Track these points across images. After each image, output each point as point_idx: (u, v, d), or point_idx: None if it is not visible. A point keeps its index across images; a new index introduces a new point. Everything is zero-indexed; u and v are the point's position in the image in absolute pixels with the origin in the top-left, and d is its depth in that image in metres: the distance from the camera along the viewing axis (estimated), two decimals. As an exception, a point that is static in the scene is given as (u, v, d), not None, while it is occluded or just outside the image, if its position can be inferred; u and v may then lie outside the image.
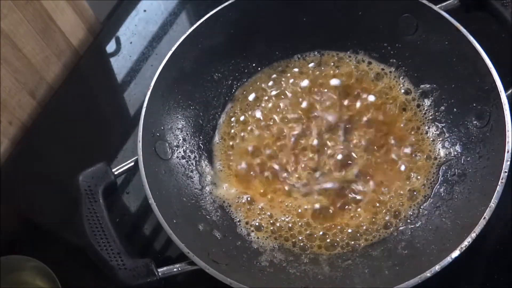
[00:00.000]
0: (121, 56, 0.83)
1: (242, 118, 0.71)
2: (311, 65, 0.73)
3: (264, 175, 0.67)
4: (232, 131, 0.71)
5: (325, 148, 0.68)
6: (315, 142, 0.68)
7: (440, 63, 0.65)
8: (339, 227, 0.63)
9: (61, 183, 0.65)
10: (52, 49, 0.78)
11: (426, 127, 0.67)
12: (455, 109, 0.65)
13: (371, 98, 0.70)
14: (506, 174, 0.54)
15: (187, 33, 0.67)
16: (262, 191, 0.66)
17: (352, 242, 0.62)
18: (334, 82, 0.72)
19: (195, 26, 0.67)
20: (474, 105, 0.62)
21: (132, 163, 0.61)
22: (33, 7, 0.72)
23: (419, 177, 0.65)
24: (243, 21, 0.69)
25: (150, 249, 0.68)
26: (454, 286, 0.62)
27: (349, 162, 0.66)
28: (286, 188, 0.66)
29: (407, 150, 0.66)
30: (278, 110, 0.71)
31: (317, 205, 0.65)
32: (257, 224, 0.64)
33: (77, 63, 0.83)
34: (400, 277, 0.53)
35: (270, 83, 0.73)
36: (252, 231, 0.64)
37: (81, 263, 0.67)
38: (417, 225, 0.62)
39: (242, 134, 0.70)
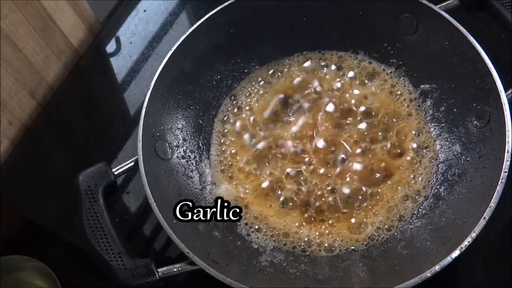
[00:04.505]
0: (121, 56, 0.83)
1: (236, 118, 0.71)
2: (311, 65, 0.73)
3: (258, 182, 0.67)
4: (226, 131, 0.71)
5: (324, 152, 0.68)
6: (314, 144, 0.68)
7: (440, 63, 0.65)
8: (341, 235, 0.63)
9: (61, 183, 0.65)
10: (52, 49, 0.78)
11: (427, 127, 0.67)
12: (455, 109, 0.65)
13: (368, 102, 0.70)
14: (506, 174, 0.54)
15: (187, 33, 0.67)
16: (254, 199, 0.66)
17: (352, 247, 0.62)
18: (336, 84, 0.72)
19: (195, 26, 0.67)
20: (474, 105, 0.62)
21: (132, 163, 0.61)
22: (33, 7, 0.72)
23: (420, 178, 0.65)
24: (243, 21, 0.69)
25: (150, 249, 0.68)
26: (454, 286, 0.62)
27: (350, 166, 0.67)
28: (282, 196, 0.66)
29: (410, 152, 0.66)
30: (276, 110, 0.71)
31: (317, 214, 0.64)
32: (256, 226, 0.64)
33: (77, 63, 0.83)
34: (400, 277, 0.53)
35: (268, 83, 0.73)
36: (252, 231, 0.64)
37: (81, 263, 0.67)
38: (417, 225, 0.62)
39: (234, 135, 0.70)
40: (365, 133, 0.68)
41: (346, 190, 0.65)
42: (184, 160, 0.67)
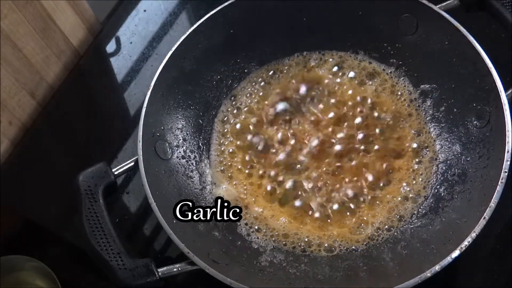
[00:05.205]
0: (121, 56, 0.83)
1: (236, 118, 0.71)
2: (311, 65, 0.73)
3: (258, 182, 0.67)
4: (226, 131, 0.71)
5: (324, 152, 0.68)
6: (314, 144, 0.68)
7: (440, 63, 0.65)
8: (341, 235, 0.63)
9: (61, 183, 0.65)
10: (52, 49, 0.78)
11: (427, 127, 0.67)
12: (455, 109, 0.65)
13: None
14: (506, 174, 0.54)
15: (187, 33, 0.67)
16: (254, 199, 0.66)
17: (352, 247, 0.62)
18: (336, 84, 0.72)
19: (195, 26, 0.67)
20: (474, 105, 0.62)
21: (132, 163, 0.61)
22: (33, 7, 0.72)
23: (420, 178, 0.65)
24: (243, 21, 0.69)
25: (150, 249, 0.68)
26: (454, 286, 0.62)
27: (350, 166, 0.67)
28: (282, 196, 0.66)
29: (411, 152, 0.66)
30: (275, 110, 0.71)
31: (316, 214, 0.64)
32: (256, 227, 0.64)
33: (77, 63, 0.83)
34: (400, 277, 0.53)
35: (268, 83, 0.73)
36: (252, 231, 0.64)
37: (81, 263, 0.67)
38: (417, 225, 0.62)
39: (234, 135, 0.70)
40: (365, 133, 0.68)
41: (346, 191, 0.65)
42: (184, 160, 0.67)
